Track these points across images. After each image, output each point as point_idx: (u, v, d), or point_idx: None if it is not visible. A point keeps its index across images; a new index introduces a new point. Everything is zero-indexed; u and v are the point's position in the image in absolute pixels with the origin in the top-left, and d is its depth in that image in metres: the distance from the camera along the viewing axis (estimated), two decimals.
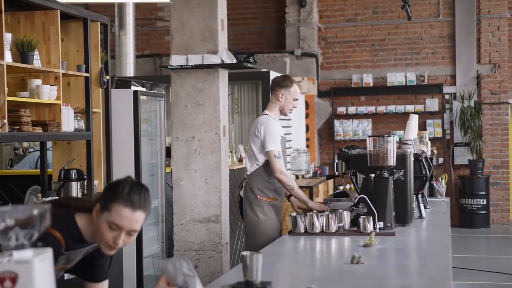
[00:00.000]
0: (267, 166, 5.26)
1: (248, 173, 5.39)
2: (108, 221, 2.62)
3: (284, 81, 5.41)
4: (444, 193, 6.60)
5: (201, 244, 5.80)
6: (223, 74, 6.08)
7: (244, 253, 2.78)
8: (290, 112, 5.50)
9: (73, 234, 2.71)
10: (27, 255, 1.78)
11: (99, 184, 5.99)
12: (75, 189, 5.55)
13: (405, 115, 12.84)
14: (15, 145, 9.23)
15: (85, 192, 5.73)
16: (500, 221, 12.88)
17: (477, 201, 12.51)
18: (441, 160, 12.82)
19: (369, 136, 4.56)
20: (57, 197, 5.01)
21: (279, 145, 5.22)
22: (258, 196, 5.28)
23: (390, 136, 4.51)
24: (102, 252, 2.78)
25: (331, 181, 11.64)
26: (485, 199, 12.53)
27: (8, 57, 4.80)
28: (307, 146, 12.48)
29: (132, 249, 6.39)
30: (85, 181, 5.71)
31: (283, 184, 5.20)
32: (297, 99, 5.43)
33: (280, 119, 5.49)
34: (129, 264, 6.32)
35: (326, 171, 11.69)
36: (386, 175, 4.49)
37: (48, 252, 1.82)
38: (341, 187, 12.19)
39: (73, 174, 5.56)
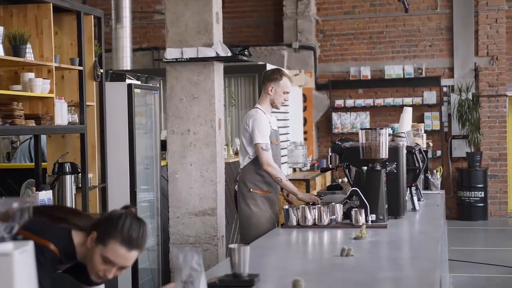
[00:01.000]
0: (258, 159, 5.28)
1: (241, 167, 5.42)
2: (102, 255, 2.64)
3: (274, 74, 5.41)
4: (439, 186, 6.60)
5: (197, 237, 5.81)
6: (218, 67, 6.07)
7: (232, 246, 2.79)
8: (282, 105, 5.51)
9: (68, 250, 2.71)
10: (7, 248, 1.78)
11: (93, 178, 5.99)
12: (69, 183, 5.55)
13: (403, 108, 12.80)
14: (12, 138, 9.23)
15: (79, 185, 5.73)
16: (498, 214, 12.89)
17: (475, 194, 12.52)
18: (439, 152, 12.82)
19: (361, 129, 4.56)
20: (56, 206, 4.93)
21: (267, 138, 5.24)
22: (251, 189, 5.31)
23: (382, 129, 4.51)
24: None
25: (328, 174, 11.65)
26: (483, 192, 12.54)
27: (0, 51, 4.79)
28: (305, 139, 12.48)
29: None
30: (79, 174, 5.71)
31: (271, 176, 5.22)
32: (287, 92, 5.43)
33: (277, 112, 5.51)
34: None
35: (324, 164, 11.67)
36: (378, 167, 4.49)
37: (29, 245, 1.82)
38: (339, 180, 12.20)
39: (67, 167, 5.55)
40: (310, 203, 4.96)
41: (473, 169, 12.55)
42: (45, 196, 4.97)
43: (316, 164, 11.07)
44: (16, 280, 1.75)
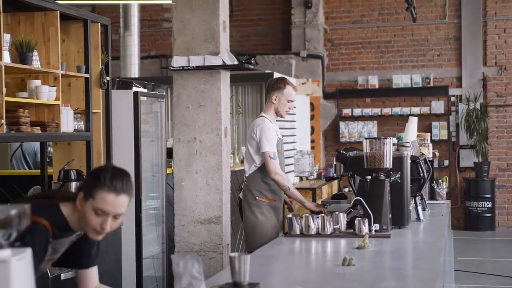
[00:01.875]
0: (265, 167, 5.30)
1: (246, 175, 5.46)
2: (93, 207, 2.71)
3: (277, 83, 5.46)
4: (444, 196, 6.58)
5: (202, 245, 5.81)
6: (225, 76, 6.08)
7: (232, 254, 2.79)
8: (287, 114, 5.54)
9: (59, 223, 2.78)
10: (4, 254, 1.79)
11: None
12: (75, 190, 5.57)
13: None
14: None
15: None
16: (506, 224, 12.84)
17: (482, 204, 12.47)
18: (446, 162, 12.79)
19: (365, 138, 4.56)
20: (42, 191, 5.03)
21: (275, 146, 5.28)
22: (257, 197, 5.33)
23: (386, 138, 4.50)
24: (87, 238, 2.86)
25: (335, 183, 11.63)
26: (490, 202, 12.49)
27: (6, 58, 4.82)
28: (312, 147, 12.48)
29: (131, 250, 6.41)
30: None
31: (279, 185, 5.25)
32: (291, 101, 5.47)
33: (284, 120, 5.54)
34: (128, 264, 6.33)
35: (330, 173, 11.66)
36: (382, 177, 4.49)
37: (27, 252, 1.83)
38: (346, 189, 12.18)
39: (73, 174, 5.58)
40: (315, 212, 4.96)
41: (481, 179, 12.51)
42: None
43: (323, 173, 11.06)
44: (13, 286, 1.76)
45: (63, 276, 4.53)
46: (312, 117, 12.61)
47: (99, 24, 6.07)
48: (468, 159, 12.83)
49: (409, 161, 4.78)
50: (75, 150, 5.90)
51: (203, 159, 5.91)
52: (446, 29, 13.04)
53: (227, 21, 6.22)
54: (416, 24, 12.66)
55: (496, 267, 9.38)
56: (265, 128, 5.30)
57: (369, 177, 4.49)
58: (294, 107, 5.69)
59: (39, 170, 5.99)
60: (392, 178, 4.55)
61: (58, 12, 5.36)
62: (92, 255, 3.02)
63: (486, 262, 9.85)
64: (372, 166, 4.48)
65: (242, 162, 8.37)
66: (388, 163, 4.47)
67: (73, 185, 5.58)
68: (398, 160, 4.62)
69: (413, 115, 12.53)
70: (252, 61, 6.27)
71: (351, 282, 3.08)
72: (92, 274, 3.05)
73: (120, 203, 2.73)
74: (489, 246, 11.66)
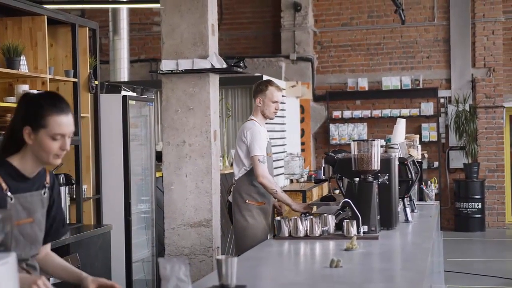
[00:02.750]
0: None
1: (235, 178, 5.49)
2: (49, 135, 2.71)
3: (260, 86, 5.56)
4: (433, 197, 6.60)
5: (192, 248, 5.81)
6: (214, 79, 6.09)
7: (219, 257, 2.80)
8: (275, 114, 5.55)
9: (11, 173, 2.74)
10: None
11: (87, 189, 6.01)
12: (64, 194, 5.56)
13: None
14: None
15: (74, 197, 5.74)
16: (495, 225, 12.89)
17: (472, 205, 12.51)
18: (436, 164, 12.83)
19: (353, 140, 4.57)
20: None
21: (264, 150, 5.31)
22: (247, 201, 5.36)
23: (374, 140, 4.52)
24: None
25: (325, 185, 11.65)
26: (480, 203, 12.54)
27: None
28: (303, 150, 12.50)
29: (121, 253, 6.40)
30: (74, 186, 5.72)
31: (266, 189, 5.28)
32: (276, 101, 5.51)
33: (274, 123, 5.57)
34: (118, 268, 6.32)
35: (321, 175, 11.68)
36: (370, 179, 4.50)
37: (11, 257, 1.84)
38: (337, 191, 12.20)
39: (62, 179, 5.57)
40: (303, 213, 4.99)
41: (471, 180, 12.56)
42: None
43: (313, 175, 11.08)
44: None
45: (52, 280, 4.51)
46: (302, 120, 12.63)
47: (87, 28, 6.07)
48: (457, 160, 12.87)
49: (397, 162, 4.79)
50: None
51: (192, 162, 5.91)
52: (435, 31, 13.10)
53: (216, 24, 6.23)
54: (405, 26, 12.70)
55: (486, 267, 9.41)
56: (255, 131, 5.34)
57: (357, 179, 4.50)
58: (283, 109, 5.71)
59: None
60: (380, 180, 4.57)
61: (46, 16, 5.36)
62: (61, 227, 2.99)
63: (476, 263, 9.88)
64: (360, 168, 4.49)
65: (231, 165, 8.38)
66: (376, 165, 4.48)
67: (62, 190, 5.57)
68: (386, 162, 4.63)
69: (402, 117, 12.62)
70: (241, 64, 6.29)
71: (339, 284, 3.09)
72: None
73: (70, 122, 2.76)
74: (479, 247, 11.70)
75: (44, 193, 2.87)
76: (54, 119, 2.71)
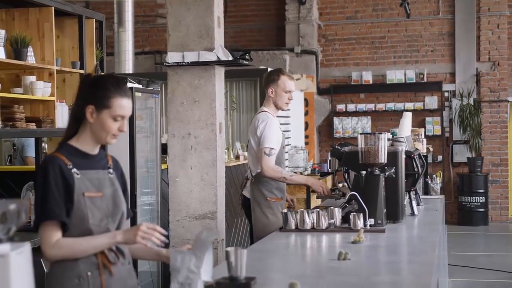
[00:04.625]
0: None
1: (253, 174, 5.32)
2: (112, 115, 2.85)
3: (271, 76, 5.39)
4: (438, 191, 6.61)
5: None
6: (219, 71, 6.09)
7: (228, 249, 2.80)
8: (287, 105, 5.43)
9: (73, 152, 2.89)
10: (4, 249, 1.80)
11: None
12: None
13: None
14: (14, 141, 9.25)
15: None
16: (499, 219, 12.89)
17: (475, 199, 12.52)
18: (440, 157, 12.83)
19: (360, 133, 4.57)
20: None
21: (274, 143, 5.20)
22: (268, 198, 5.26)
23: (381, 133, 4.52)
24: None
25: (330, 178, 11.66)
26: (483, 197, 12.54)
27: (1, 54, 4.82)
28: (307, 143, 12.50)
29: None
30: None
31: (276, 180, 5.19)
32: (289, 91, 5.36)
33: (278, 116, 5.49)
34: None
35: (325, 169, 11.68)
36: (377, 172, 4.50)
37: (26, 246, 1.85)
38: (340, 184, 12.20)
39: None
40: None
41: (474, 174, 12.56)
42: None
43: (317, 168, 11.07)
44: (13, 281, 1.77)
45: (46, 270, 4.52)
46: (306, 113, 12.63)
47: (94, 20, 6.07)
48: (461, 154, 12.87)
49: (403, 156, 4.79)
50: None
51: (197, 155, 5.91)
52: (439, 24, 13.08)
53: (222, 17, 6.22)
54: (410, 20, 12.69)
55: (489, 261, 9.43)
56: (269, 123, 5.21)
57: (364, 172, 4.50)
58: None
59: (34, 166, 5.99)
60: (386, 173, 4.56)
61: (53, 8, 5.36)
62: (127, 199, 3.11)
63: (479, 257, 9.89)
64: (367, 161, 4.49)
65: (236, 158, 8.39)
66: (383, 158, 4.48)
67: None
68: (392, 155, 4.63)
69: (407, 110, 12.61)
70: (246, 57, 6.28)
71: (347, 276, 3.10)
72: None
73: (130, 105, 2.92)
74: (482, 241, 11.71)
75: (110, 173, 2.99)
76: (118, 101, 2.86)
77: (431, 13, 13.11)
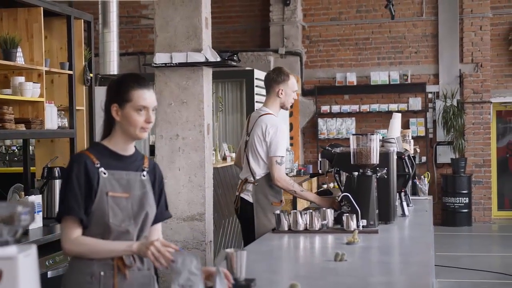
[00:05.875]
0: None
1: (257, 177, 5.13)
2: (134, 108, 2.90)
3: (281, 76, 5.18)
4: (427, 192, 6.64)
5: (185, 242, 5.80)
6: (207, 72, 6.08)
7: (229, 250, 2.79)
8: (291, 104, 5.31)
9: (103, 152, 2.94)
10: (11, 251, 1.78)
11: None
12: (58, 187, 5.52)
13: (389, 114, 12.83)
14: None
15: None
16: (482, 220, 12.98)
17: (459, 200, 12.60)
18: (424, 158, 12.90)
19: (352, 134, 4.57)
20: None
21: (284, 151, 5.07)
22: (273, 203, 5.12)
23: (373, 134, 4.52)
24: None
25: (314, 180, 11.68)
26: (467, 198, 12.62)
27: None
28: (291, 144, 12.51)
29: None
30: None
31: (285, 190, 5.05)
32: (295, 90, 5.24)
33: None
34: None
35: (310, 170, 11.70)
36: (369, 173, 4.51)
37: (32, 249, 1.82)
38: (325, 186, 12.23)
39: (57, 172, 5.52)
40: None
41: (458, 175, 12.64)
42: (35, 201, 4.94)
43: (302, 170, 11.09)
44: (20, 283, 1.75)
45: (49, 274, 4.49)
46: (290, 114, 12.64)
47: (82, 20, 6.03)
48: (445, 155, 12.95)
49: (395, 157, 4.81)
50: (57, 147, 5.86)
51: (186, 156, 5.90)
52: (423, 26, 13.15)
53: (209, 18, 6.22)
54: (394, 21, 12.74)
55: (473, 261, 9.49)
56: (279, 130, 5.04)
57: (356, 173, 4.50)
58: None
59: (20, 168, 5.94)
60: (378, 174, 4.57)
61: (42, 8, 5.31)
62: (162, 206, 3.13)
63: (463, 257, 9.95)
64: (359, 162, 4.50)
65: (223, 159, 8.37)
66: (375, 159, 4.49)
67: (57, 183, 5.53)
68: (384, 156, 4.64)
69: (391, 111, 12.65)
70: (234, 58, 6.28)
71: (345, 277, 3.09)
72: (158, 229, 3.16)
73: (153, 96, 2.96)
74: (466, 241, 11.78)
75: (143, 176, 3.01)
76: (137, 92, 2.90)
77: (414, 15, 13.17)
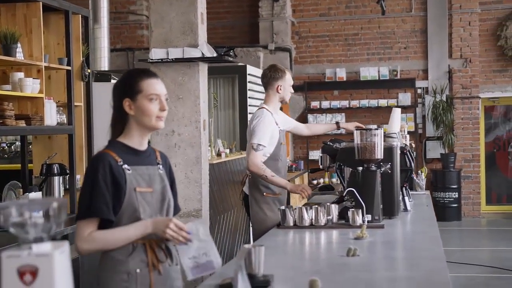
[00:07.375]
0: (271, 161, 5.21)
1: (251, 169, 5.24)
2: (146, 97, 2.90)
3: (278, 73, 5.40)
4: (424, 186, 6.66)
5: None
6: (203, 68, 6.06)
7: (247, 246, 2.77)
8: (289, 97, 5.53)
9: (122, 148, 2.92)
10: (46, 248, 1.76)
11: (81, 179, 5.92)
12: (57, 184, 5.48)
13: (378, 110, 12.93)
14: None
15: (67, 187, 5.66)
16: (471, 214, 13.05)
17: (449, 195, 12.65)
18: (414, 154, 12.92)
19: (356, 129, 4.56)
20: None
21: (264, 139, 5.17)
22: (264, 193, 5.25)
23: (377, 129, 4.52)
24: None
25: (306, 175, 11.68)
26: (456, 193, 12.68)
27: None
28: None
29: None
30: (67, 175, 5.64)
31: (257, 175, 5.16)
32: (292, 84, 5.52)
33: (250, 114, 5.46)
34: None
35: (301, 166, 11.72)
36: (373, 168, 4.50)
37: (66, 245, 1.80)
38: (315, 182, 12.25)
39: (55, 168, 5.48)
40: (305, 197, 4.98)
41: (447, 170, 12.69)
42: (35, 197, 4.90)
43: (293, 166, 11.09)
44: (56, 280, 1.73)
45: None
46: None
47: (80, 15, 5.98)
48: (434, 150, 13.00)
49: (398, 151, 4.81)
50: (56, 143, 5.81)
51: (182, 152, 5.88)
52: (412, 22, 13.17)
53: (205, 13, 6.20)
54: (383, 17, 12.75)
55: (463, 256, 9.53)
56: (262, 119, 5.21)
57: (360, 168, 4.50)
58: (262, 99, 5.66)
59: (19, 165, 5.89)
60: (382, 169, 4.57)
61: (41, 3, 5.25)
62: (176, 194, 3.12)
63: (454, 252, 9.99)
64: (363, 157, 4.49)
65: (218, 155, 8.36)
66: (379, 154, 4.49)
67: (56, 179, 5.49)
68: (388, 151, 4.64)
69: (380, 107, 12.71)
70: (230, 53, 6.26)
71: (360, 272, 3.09)
72: None
73: (162, 85, 2.97)
74: (456, 236, 11.83)
75: (160, 169, 3.00)
76: (146, 82, 2.91)
77: (403, 10, 13.20)
